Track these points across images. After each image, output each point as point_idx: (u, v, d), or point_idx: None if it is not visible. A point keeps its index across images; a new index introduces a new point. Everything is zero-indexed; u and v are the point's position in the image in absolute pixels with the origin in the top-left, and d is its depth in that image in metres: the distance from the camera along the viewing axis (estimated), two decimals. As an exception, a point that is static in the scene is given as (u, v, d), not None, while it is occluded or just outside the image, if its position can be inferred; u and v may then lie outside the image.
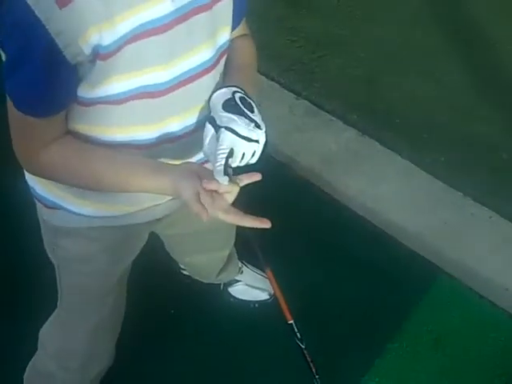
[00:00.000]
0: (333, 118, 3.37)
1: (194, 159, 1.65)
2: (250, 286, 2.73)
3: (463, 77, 3.58)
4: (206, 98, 1.54)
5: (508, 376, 2.57)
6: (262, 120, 1.48)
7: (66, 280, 1.95)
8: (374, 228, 2.97)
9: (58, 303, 2.03)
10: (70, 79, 1.38)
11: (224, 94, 1.49)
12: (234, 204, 1.45)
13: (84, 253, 1.84)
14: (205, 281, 2.59)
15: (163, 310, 2.65)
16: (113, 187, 1.55)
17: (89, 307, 2.00)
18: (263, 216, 1.42)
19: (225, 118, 1.45)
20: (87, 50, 1.32)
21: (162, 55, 1.43)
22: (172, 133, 1.56)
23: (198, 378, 2.53)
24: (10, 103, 1.42)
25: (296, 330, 2.38)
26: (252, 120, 1.45)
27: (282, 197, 2.94)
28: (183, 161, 1.58)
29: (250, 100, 1.50)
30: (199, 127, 1.55)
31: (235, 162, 1.45)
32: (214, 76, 1.57)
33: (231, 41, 1.62)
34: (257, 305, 2.73)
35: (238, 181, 1.43)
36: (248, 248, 2.39)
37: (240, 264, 2.72)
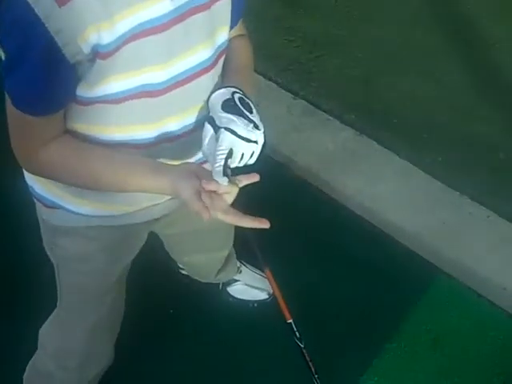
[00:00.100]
0: (330, 118, 3.37)
1: (192, 159, 1.65)
2: (249, 286, 2.74)
3: (463, 77, 3.59)
4: (205, 97, 1.55)
5: (506, 375, 2.58)
6: (260, 120, 1.49)
7: (64, 279, 1.95)
8: (371, 227, 2.97)
9: (58, 302, 2.03)
10: (69, 78, 1.38)
11: (223, 94, 1.50)
12: (232, 204, 1.45)
13: (82, 252, 1.85)
14: (203, 280, 2.60)
15: (162, 309, 2.66)
16: (111, 186, 1.55)
17: (87, 306, 2.00)
18: (261, 216, 1.42)
19: (224, 118, 1.45)
20: (86, 49, 1.32)
21: (161, 55, 1.43)
22: (170, 132, 1.56)
23: (197, 377, 2.53)
24: (8, 102, 1.43)
25: (295, 329, 2.38)
26: (251, 121, 1.46)
27: (279, 196, 2.94)
28: (182, 160, 1.59)
29: (248, 101, 1.50)
30: (198, 127, 1.55)
31: (234, 163, 1.45)
32: (213, 76, 1.57)
33: (229, 41, 1.62)
34: (256, 304, 2.73)
35: (237, 181, 1.44)
36: (247, 248, 2.40)
37: (239, 264, 2.72)
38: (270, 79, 3.55)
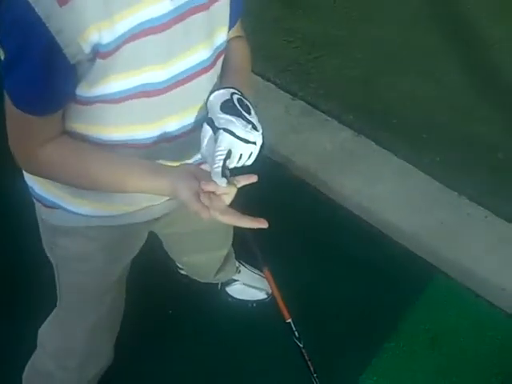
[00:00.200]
0: (328, 118, 3.37)
1: (191, 160, 1.66)
2: (248, 286, 2.74)
3: (463, 77, 3.59)
4: (204, 97, 1.55)
5: (505, 375, 2.58)
6: (259, 121, 1.49)
7: (64, 279, 1.96)
8: (370, 228, 2.98)
9: (58, 302, 2.03)
10: (69, 78, 1.38)
11: (222, 95, 1.50)
12: (231, 205, 1.46)
13: (82, 252, 1.85)
14: (203, 280, 2.60)
15: (161, 309, 2.66)
16: (109, 187, 1.55)
17: (87, 306, 2.01)
18: (260, 216, 1.43)
19: (223, 119, 1.45)
20: (87, 49, 1.33)
21: (160, 54, 1.43)
22: (170, 132, 1.57)
23: (197, 377, 2.54)
24: (7, 101, 1.43)
25: (294, 328, 2.39)
26: (249, 122, 1.46)
27: (278, 197, 2.94)
28: (181, 161, 1.60)
29: (247, 102, 1.51)
30: (197, 127, 1.55)
31: (232, 164, 1.46)
32: (212, 76, 1.57)
33: (227, 42, 1.63)
34: (254, 304, 2.73)
35: (235, 182, 1.44)
36: (246, 248, 2.40)
37: (237, 264, 2.72)
38: (268, 80, 3.55)
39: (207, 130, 1.48)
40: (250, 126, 1.45)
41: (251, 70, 1.79)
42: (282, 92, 3.51)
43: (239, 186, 1.45)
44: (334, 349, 2.59)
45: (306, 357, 2.39)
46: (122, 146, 1.55)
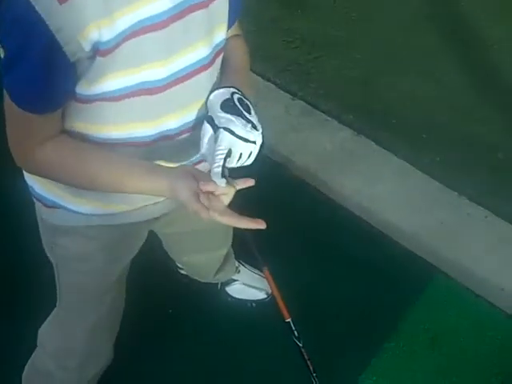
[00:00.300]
0: (328, 118, 3.38)
1: (191, 159, 1.66)
2: (247, 286, 2.74)
3: (463, 77, 3.59)
4: (204, 95, 1.55)
5: (505, 375, 2.58)
6: (259, 121, 1.50)
7: (64, 279, 1.96)
8: (370, 228, 2.98)
9: (57, 302, 2.03)
10: (69, 76, 1.38)
11: (222, 94, 1.50)
12: (230, 204, 1.46)
13: (82, 251, 1.85)
14: (202, 280, 2.60)
15: (161, 309, 2.66)
16: (107, 187, 1.55)
17: (87, 306, 2.01)
18: (259, 216, 1.43)
19: (223, 118, 1.45)
20: (87, 47, 1.33)
21: (160, 52, 1.43)
22: (169, 130, 1.57)
23: (197, 377, 2.54)
24: (7, 99, 1.43)
25: (293, 328, 2.39)
26: (249, 121, 1.46)
27: (277, 197, 2.94)
28: (180, 159, 1.60)
29: (247, 101, 1.51)
30: (197, 125, 1.56)
31: (232, 163, 1.46)
32: (211, 74, 1.57)
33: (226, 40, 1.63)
34: (254, 304, 2.73)
35: (234, 183, 1.44)
36: (245, 248, 2.40)
37: (237, 264, 2.72)
38: (268, 80, 3.55)
39: (207, 129, 1.48)
40: (250, 125, 1.46)
41: (250, 69, 1.79)
42: (281, 92, 3.51)
43: (238, 187, 1.46)
44: (334, 349, 2.59)
45: (306, 356, 2.40)
46: (122, 144, 1.55)
